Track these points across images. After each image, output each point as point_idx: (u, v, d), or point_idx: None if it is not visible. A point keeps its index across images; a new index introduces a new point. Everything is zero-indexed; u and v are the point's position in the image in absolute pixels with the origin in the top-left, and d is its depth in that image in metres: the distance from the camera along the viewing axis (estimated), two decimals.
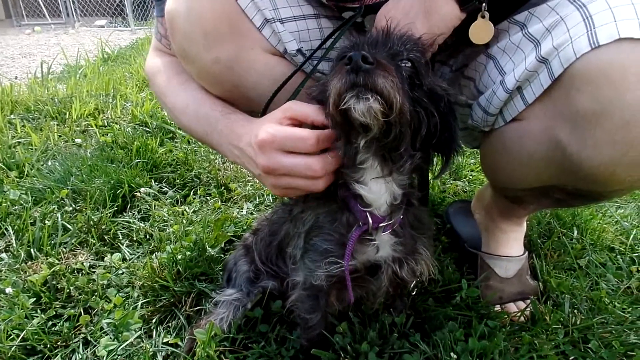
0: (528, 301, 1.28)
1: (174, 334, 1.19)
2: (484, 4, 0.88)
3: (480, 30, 0.90)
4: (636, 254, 1.53)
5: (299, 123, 0.93)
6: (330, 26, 1.20)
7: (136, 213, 1.76)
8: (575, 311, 1.26)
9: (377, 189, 0.89)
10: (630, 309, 1.28)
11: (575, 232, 1.63)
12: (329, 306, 1.07)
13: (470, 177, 2.10)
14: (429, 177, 0.99)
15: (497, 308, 1.28)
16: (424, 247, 1.01)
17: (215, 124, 1.08)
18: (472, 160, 2.25)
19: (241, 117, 1.07)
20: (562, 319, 1.22)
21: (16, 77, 4.40)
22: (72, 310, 1.26)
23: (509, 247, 1.36)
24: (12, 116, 2.86)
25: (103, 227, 1.63)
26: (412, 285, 1.21)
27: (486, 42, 0.93)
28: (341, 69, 0.73)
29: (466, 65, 1.12)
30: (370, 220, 0.91)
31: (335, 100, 0.75)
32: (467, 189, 2.00)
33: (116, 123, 2.70)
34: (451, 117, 0.85)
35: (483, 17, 0.88)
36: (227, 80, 1.10)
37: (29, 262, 1.45)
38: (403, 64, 0.80)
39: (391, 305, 1.21)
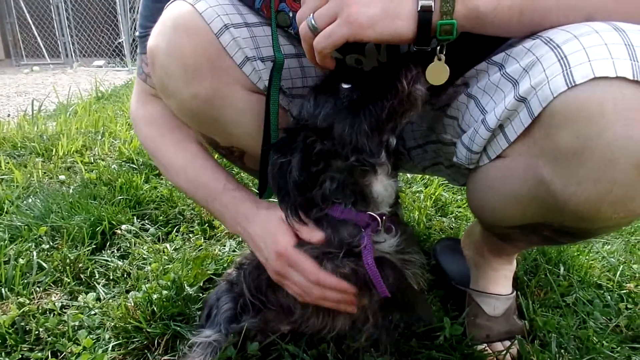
0: (515, 340, 1.24)
1: None
2: (440, 47, 0.89)
3: (437, 72, 0.91)
4: (624, 291, 1.50)
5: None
6: (312, 65, 1.22)
7: (115, 251, 1.72)
8: (563, 351, 1.21)
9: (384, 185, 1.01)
10: (619, 348, 1.24)
11: (562, 268, 1.60)
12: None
13: (457, 213, 2.09)
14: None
15: (483, 346, 1.24)
16: (417, 247, 1.10)
17: (218, 197, 1.12)
18: (459, 197, 2.24)
19: (246, 196, 1.12)
20: None
21: (9, 115, 4.42)
22: (40, 354, 1.20)
23: (499, 284, 1.33)
24: None
25: (80, 265, 1.58)
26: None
27: (442, 83, 0.94)
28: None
29: (448, 105, 1.13)
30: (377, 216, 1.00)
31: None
32: (453, 225, 1.98)
33: (102, 160, 2.69)
34: None
35: (439, 59, 0.89)
36: (206, 115, 1.10)
37: None
38: None
39: (376, 340, 1.15)
